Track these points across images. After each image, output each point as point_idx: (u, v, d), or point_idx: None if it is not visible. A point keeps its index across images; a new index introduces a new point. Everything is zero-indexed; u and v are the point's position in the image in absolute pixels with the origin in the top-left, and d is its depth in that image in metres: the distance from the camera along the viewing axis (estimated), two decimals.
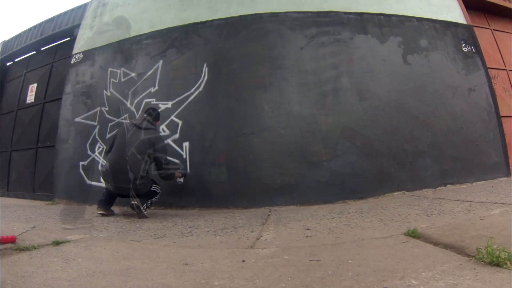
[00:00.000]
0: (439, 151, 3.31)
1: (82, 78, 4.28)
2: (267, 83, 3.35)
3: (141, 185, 2.80)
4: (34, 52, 5.57)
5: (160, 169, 2.95)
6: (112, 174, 2.81)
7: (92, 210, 3.31)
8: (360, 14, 3.60)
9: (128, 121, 3.41)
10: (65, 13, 5.04)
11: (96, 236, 2.05)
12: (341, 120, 3.23)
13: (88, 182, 3.84)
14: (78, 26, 4.69)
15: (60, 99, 4.40)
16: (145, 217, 2.72)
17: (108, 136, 3.79)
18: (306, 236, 1.83)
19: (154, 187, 2.96)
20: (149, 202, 2.90)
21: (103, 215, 2.87)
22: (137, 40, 4.01)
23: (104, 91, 4.03)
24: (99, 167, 3.60)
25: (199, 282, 1.15)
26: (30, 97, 5.19)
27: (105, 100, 3.99)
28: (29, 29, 5.50)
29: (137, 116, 3.44)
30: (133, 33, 4.08)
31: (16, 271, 1.30)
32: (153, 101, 3.68)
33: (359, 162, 3.15)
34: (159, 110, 3.26)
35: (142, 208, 2.73)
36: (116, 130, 3.20)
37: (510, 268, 1.05)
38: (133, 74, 3.90)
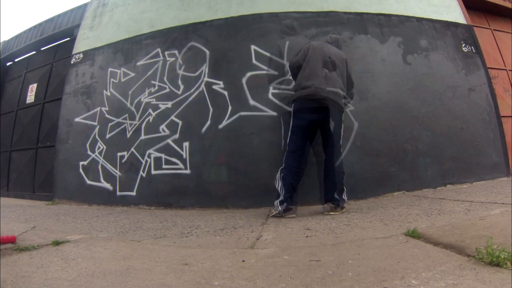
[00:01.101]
0: (439, 151, 3.31)
1: (82, 78, 4.28)
2: (267, 83, 3.34)
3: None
4: (34, 52, 5.57)
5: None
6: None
7: (92, 211, 3.33)
8: (360, 14, 3.60)
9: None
10: (65, 13, 5.04)
11: (96, 236, 2.05)
12: None
13: (88, 182, 3.85)
14: (78, 26, 4.68)
15: (60, 99, 4.40)
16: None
17: None
18: (306, 236, 1.83)
19: None
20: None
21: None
22: (137, 40, 4.01)
23: (104, 91, 4.03)
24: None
25: (199, 282, 1.15)
26: (30, 97, 5.19)
27: (105, 100, 4.00)
28: (29, 29, 5.50)
29: None
30: (133, 33, 4.08)
31: (16, 271, 1.30)
32: (153, 101, 3.68)
33: (359, 162, 3.15)
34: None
35: None
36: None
37: (510, 268, 1.05)
38: (133, 74, 3.90)
